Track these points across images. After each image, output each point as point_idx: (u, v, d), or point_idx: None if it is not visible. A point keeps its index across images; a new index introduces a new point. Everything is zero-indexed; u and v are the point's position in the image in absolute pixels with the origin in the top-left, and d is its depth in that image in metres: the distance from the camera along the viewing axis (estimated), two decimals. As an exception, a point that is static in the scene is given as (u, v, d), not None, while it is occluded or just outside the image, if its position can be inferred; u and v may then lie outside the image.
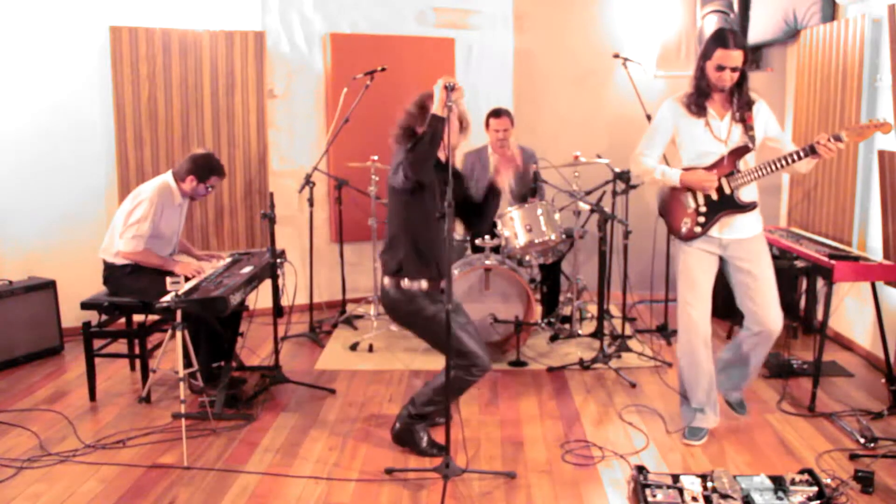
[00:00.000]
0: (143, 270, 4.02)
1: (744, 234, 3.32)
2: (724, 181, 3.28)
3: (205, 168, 4.05)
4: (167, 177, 4.09)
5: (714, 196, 3.30)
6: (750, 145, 3.26)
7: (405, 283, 3.19)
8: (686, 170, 3.35)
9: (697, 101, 3.32)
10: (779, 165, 3.19)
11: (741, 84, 3.25)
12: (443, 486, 2.86)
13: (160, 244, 4.07)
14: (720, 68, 3.20)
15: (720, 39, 3.22)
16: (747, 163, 3.29)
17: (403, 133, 3.20)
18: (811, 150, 3.09)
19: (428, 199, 3.12)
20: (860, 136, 3.10)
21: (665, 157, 3.51)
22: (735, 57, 3.19)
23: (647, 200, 5.63)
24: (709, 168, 3.31)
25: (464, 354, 3.16)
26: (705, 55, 3.26)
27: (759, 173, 3.22)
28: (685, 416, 3.54)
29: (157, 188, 4.01)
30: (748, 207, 3.28)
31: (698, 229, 3.33)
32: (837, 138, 3.04)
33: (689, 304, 3.38)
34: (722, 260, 3.39)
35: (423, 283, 3.19)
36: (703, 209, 3.33)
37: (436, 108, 2.99)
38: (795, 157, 3.14)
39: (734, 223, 3.31)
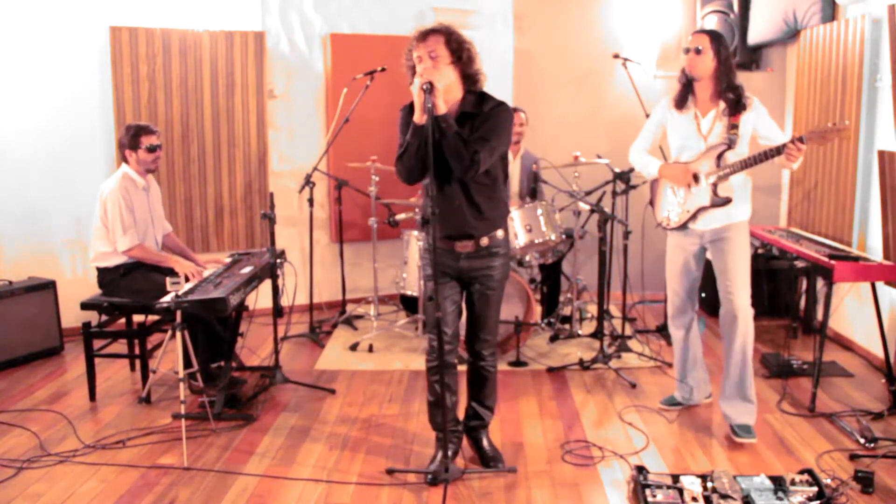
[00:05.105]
0: (137, 271, 4.02)
1: (720, 222, 3.40)
2: (702, 177, 3.39)
3: (129, 137, 4.05)
4: (123, 167, 4.11)
5: (693, 190, 3.41)
6: (728, 143, 3.31)
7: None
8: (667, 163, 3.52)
9: (681, 93, 3.44)
10: (750, 163, 3.25)
11: (728, 81, 3.30)
12: (443, 490, 2.85)
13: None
14: (686, 51, 3.38)
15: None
16: (727, 160, 3.34)
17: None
18: (777, 152, 3.15)
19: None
20: (823, 139, 3.08)
21: (661, 150, 3.66)
22: (693, 38, 3.35)
23: (647, 201, 5.62)
24: (688, 163, 3.43)
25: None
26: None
27: (733, 170, 3.30)
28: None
29: (115, 179, 4.03)
30: (724, 203, 3.36)
31: (677, 220, 3.50)
32: (800, 140, 3.07)
33: (669, 289, 3.67)
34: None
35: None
36: (682, 202, 3.47)
37: (416, 116, 2.79)
38: (763, 156, 3.21)
39: (712, 215, 3.41)
